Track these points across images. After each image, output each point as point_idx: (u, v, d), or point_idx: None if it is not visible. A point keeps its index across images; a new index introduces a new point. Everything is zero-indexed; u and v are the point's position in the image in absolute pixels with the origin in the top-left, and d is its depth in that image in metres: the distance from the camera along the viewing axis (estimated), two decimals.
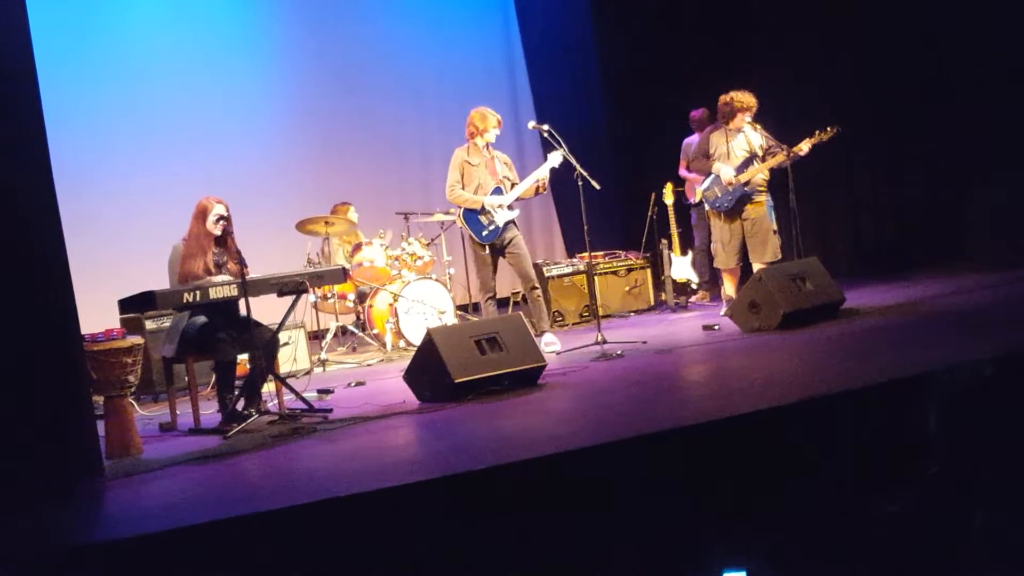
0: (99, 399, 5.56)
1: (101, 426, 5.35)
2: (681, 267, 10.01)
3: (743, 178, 8.04)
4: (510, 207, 7.80)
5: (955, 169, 9.72)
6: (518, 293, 8.69)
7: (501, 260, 7.90)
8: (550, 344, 7.60)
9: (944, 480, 4.22)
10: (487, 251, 7.79)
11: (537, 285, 7.95)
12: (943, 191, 9.90)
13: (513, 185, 7.87)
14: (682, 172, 9.94)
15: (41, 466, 4.55)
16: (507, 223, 7.76)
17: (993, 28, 8.96)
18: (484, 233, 7.74)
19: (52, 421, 4.62)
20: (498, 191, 7.78)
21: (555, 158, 7.72)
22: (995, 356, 4.82)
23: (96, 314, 6.62)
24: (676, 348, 7.18)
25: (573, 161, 7.54)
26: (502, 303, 8.26)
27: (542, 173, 7.82)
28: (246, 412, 5.96)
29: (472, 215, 7.77)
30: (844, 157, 10.00)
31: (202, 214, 6.07)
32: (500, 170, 7.89)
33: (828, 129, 7.92)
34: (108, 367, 5.45)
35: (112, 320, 6.60)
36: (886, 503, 4.20)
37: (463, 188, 7.79)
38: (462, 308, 9.32)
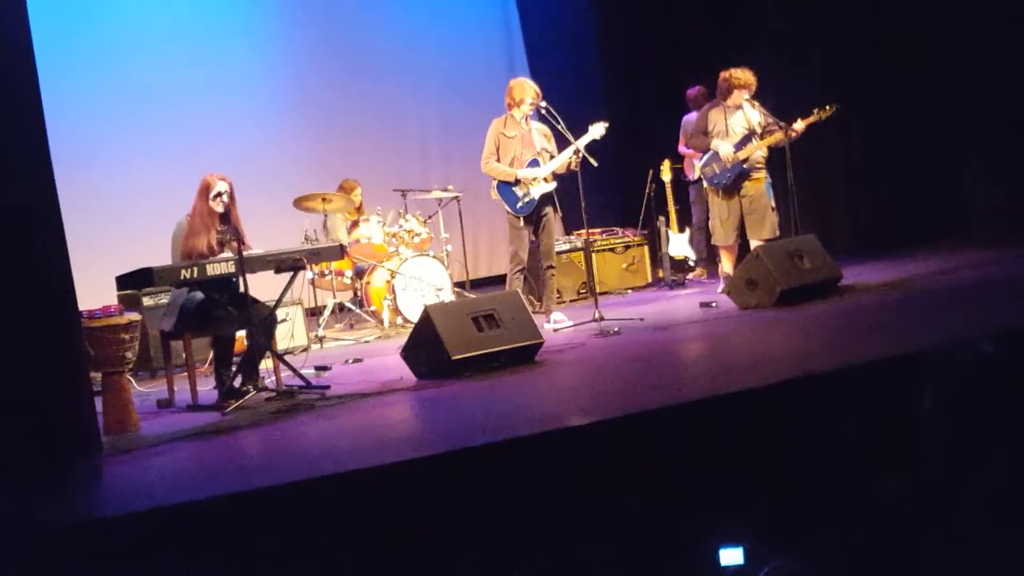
0: (97, 376, 5.56)
1: (99, 402, 5.35)
2: (678, 244, 10.01)
3: (742, 155, 8.03)
4: (546, 180, 7.67)
5: (954, 146, 9.70)
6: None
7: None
8: (560, 322, 7.56)
9: (944, 459, 4.22)
10: (522, 223, 7.68)
11: (555, 264, 7.92)
12: (941, 168, 9.88)
13: (552, 158, 7.76)
14: (681, 149, 9.92)
15: (39, 442, 4.55)
16: (543, 196, 7.66)
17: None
18: (519, 205, 7.62)
19: (50, 397, 4.62)
20: (534, 163, 7.64)
21: (597, 129, 7.56)
22: (994, 333, 4.82)
23: (94, 290, 6.61)
24: (673, 325, 7.19)
25: (570, 137, 7.50)
26: (495, 281, 8.22)
27: (581, 144, 7.54)
28: (244, 389, 5.97)
29: (506, 187, 7.64)
30: (842, 134, 9.97)
31: (205, 191, 6.05)
32: (538, 142, 7.71)
33: (826, 107, 7.91)
34: (105, 344, 5.45)
35: (110, 296, 6.60)
36: (885, 481, 4.21)
37: (498, 160, 7.68)
38: (459, 285, 9.32)
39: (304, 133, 11.16)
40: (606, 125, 7.60)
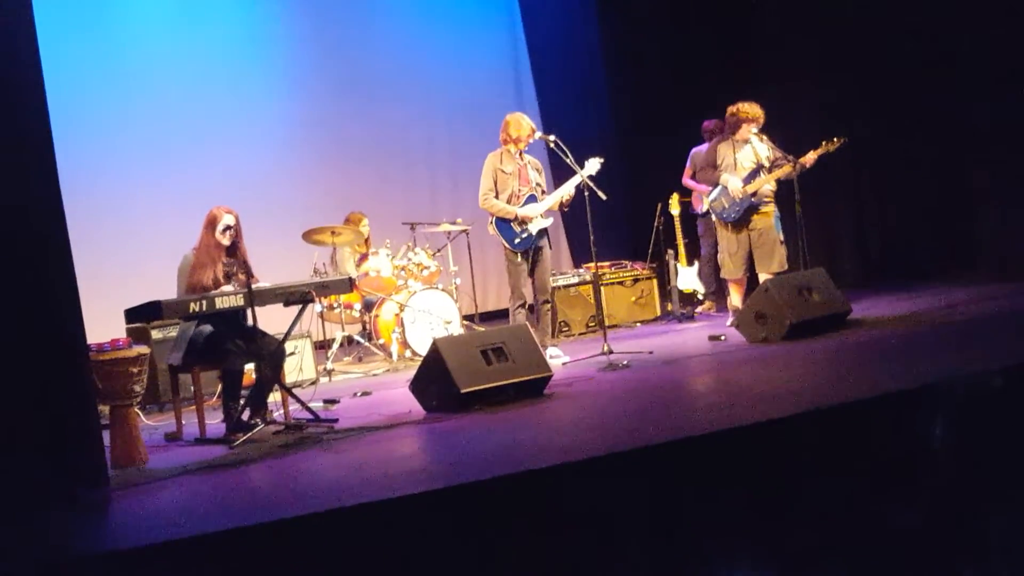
0: (105, 409, 5.56)
1: (107, 436, 5.34)
2: (687, 277, 10.00)
3: (750, 189, 8.04)
4: (543, 216, 7.73)
5: (963, 180, 9.70)
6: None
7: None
8: (555, 357, 7.57)
9: (953, 492, 4.20)
10: (519, 259, 7.72)
11: (550, 299, 7.94)
12: (951, 202, 9.88)
13: (543, 192, 7.82)
14: (686, 181, 9.92)
15: (46, 476, 4.53)
16: (540, 231, 7.71)
17: (999, 33, 8.93)
18: (516, 241, 7.67)
19: (57, 431, 4.61)
20: (531, 199, 7.71)
21: (592, 165, 7.62)
22: (1003, 367, 4.80)
23: (102, 323, 6.63)
24: (682, 359, 7.17)
25: (579, 171, 7.53)
26: (505, 314, 8.23)
27: (576, 182, 7.61)
28: (252, 422, 5.95)
29: (505, 223, 7.68)
30: (851, 168, 9.99)
31: (211, 224, 6.07)
32: (532, 177, 7.80)
33: (835, 140, 7.92)
34: (114, 377, 5.45)
35: (118, 329, 6.61)
36: (895, 515, 4.18)
37: (496, 196, 7.73)
38: (468, 318, 9.31)
39: (313, 166, 11.20)
40: (601, 160, 7.66)
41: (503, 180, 7.72)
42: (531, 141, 7.75)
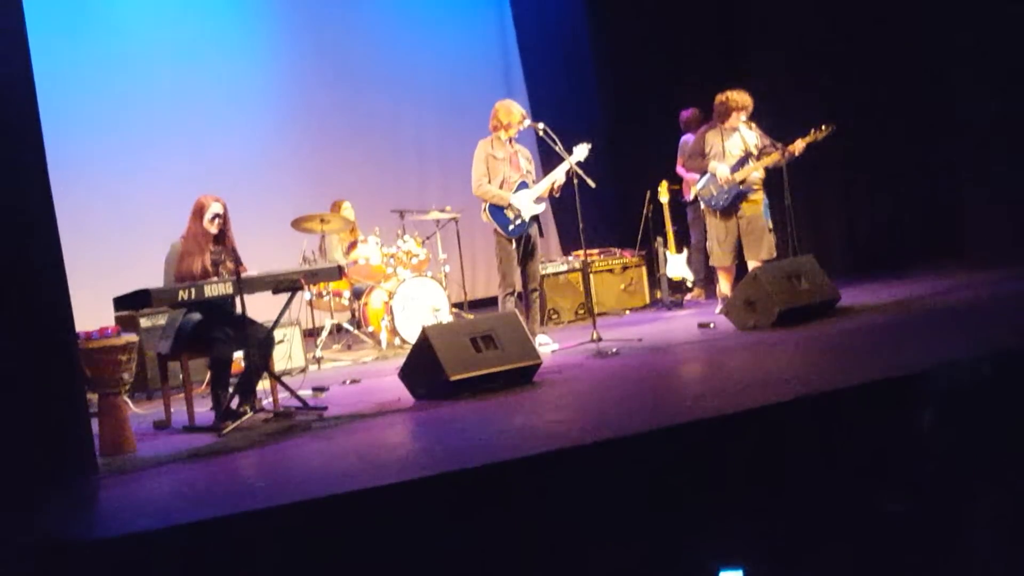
0: (93, 397, 5.54)
1: (95, 424, 5.32)
2: (676, 265, 10.01)
3: (739, 176, 8.04)
4: (536, 201, 7.73)
5: (951, 167, 9.72)
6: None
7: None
8: (545, 344, 7.57)
9: (943, 480, 4.21)
10: (513, 245, 7.71)
11: (539, 287, 7.94)
12: (939, 189, 9.90)
13: (534, 180, 7.82)
14: (679, 170, 9.93)
15: (35, 464, 4.53)
16: (532, 218, 7.72)
17: (990, 27, 8.95)
18: (510, 227, 7.66)
19: (46, 419, 4.60)
20: (523, 185, 7.72)
21: (580, 151, 7.62)
22: (992, 354, 4.82)
23: (91, 311, 6.60)
24: (671, 346, 7.17)
25: (567, 157, 7.53)
26: (494, 302, 8.23)
27: (565, 168, 7.61)
28: (241, 410, 5.94)
29: (498, 209, 7.67)
30: (839, 155, 10.00)
31: (199, 212, 6.06)
32: (523, 164, 7.81)
33: (823, 127, 7.92)
34: (102, 365, 5.44)
35: (107, 318, 6.59)
36: (885, 502, 4.20)
37: (489, 182, 7.72)
38: (457, 306, 9.31)
39: (301, 154, 11.17)
40: (589, 146, 7.67)
41: (495, 166, 7.71)
42: (521, 128, 7.74)
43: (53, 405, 4.67)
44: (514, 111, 7.72)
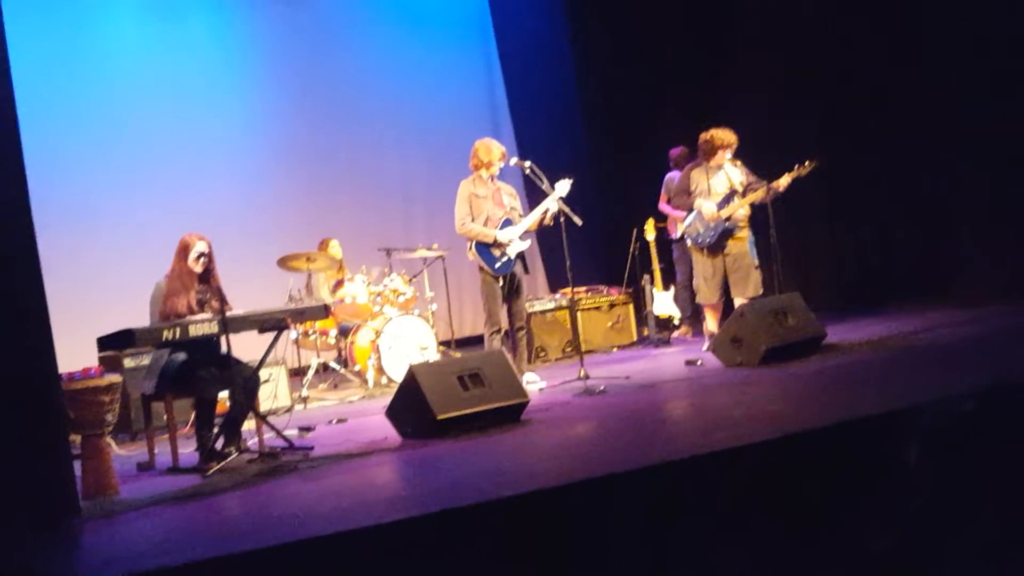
0: (76, 438, 5.49)
1: (78, 466, 5.27)
2: (663, 302, 10.02)
3: (724, 214, 8.08)
4: (521, 238, 7.76)
5: (937, 205, 9.76)
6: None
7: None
8: (532, 382, 7.55)
9: (927, 516, 4.20)
10: (500, 283, 7.72)
11: (525, 325, 7.95)
12: (923, 227, 9.94)
13: (520, 216, 7.85)
14: (662, 207, 9.98)
15: (17, 506, 4.48)
16: (518, 255, 7.74)
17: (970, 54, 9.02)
18: (497, 265, 7.68)
19: (28, 461, 4.56)
20: (507, 222, 7.74)
21: (562, 187, 7.65)
22: (977, 391, 4.82)
23: (74, 352, 6.56)
24: (659, 383, 7.17)
25: (551, 193, 7.56)
26: (475, 341, 8.22)
27: (550, 203, 7.66)
28: (226, 451, 5.90)
29: (485, 248, 7.69)
30: (824, 192, 10.05)
31: (184, 251, 6.04)
32: (507, 201, 7.85)
33: (807, 163, 7.97)
34: (85, 406, 5.38)
35: (91, 358, 6.54)
36: (870, 538, 4.19)
37: (472, 221, 7.74)
38: (444, 344, 9.29)
39: (287, 192, 11.20)
40: (570, 181, 7.70)
41: (478, 205, 7.73)
42: (502, 165, 7.79)
43: (35, 447, 4.62)
44: (494, 149, 7.76)
